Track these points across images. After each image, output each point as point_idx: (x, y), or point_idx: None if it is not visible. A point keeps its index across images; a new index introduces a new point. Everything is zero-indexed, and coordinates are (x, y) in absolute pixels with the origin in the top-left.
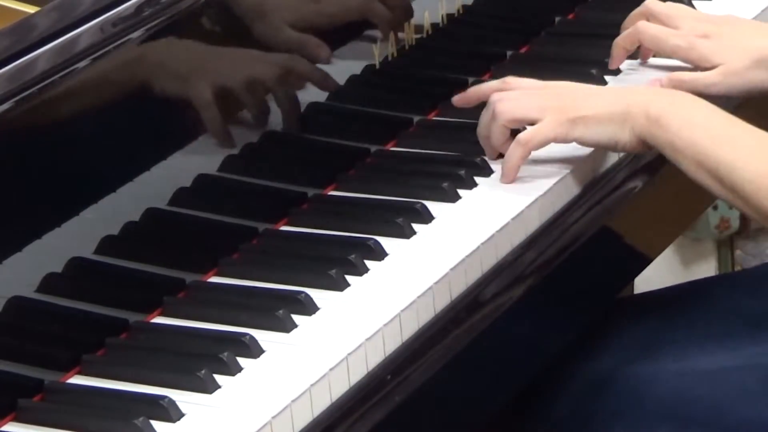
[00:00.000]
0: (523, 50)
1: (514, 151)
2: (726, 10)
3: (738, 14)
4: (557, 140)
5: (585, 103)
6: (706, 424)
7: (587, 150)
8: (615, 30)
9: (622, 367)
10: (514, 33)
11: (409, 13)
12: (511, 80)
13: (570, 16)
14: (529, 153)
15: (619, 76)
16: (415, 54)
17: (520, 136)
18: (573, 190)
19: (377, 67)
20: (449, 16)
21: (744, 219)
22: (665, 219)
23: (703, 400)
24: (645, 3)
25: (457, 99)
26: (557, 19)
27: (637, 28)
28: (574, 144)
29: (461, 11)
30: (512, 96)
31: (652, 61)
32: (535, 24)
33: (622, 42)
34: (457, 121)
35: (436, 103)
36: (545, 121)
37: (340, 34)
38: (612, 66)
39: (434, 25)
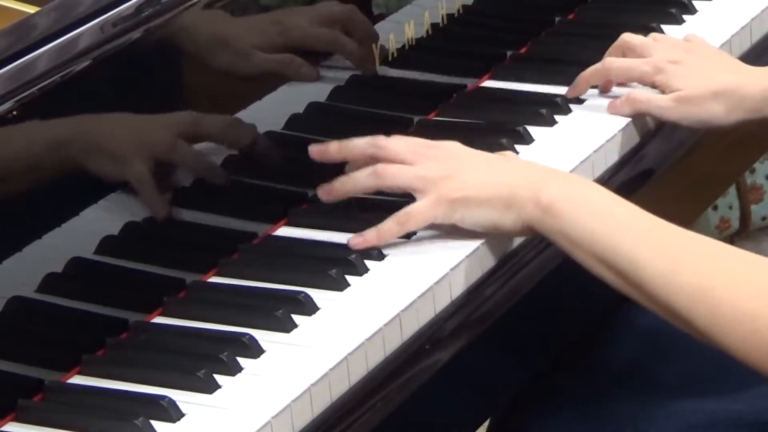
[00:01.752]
0: (523, 50)
1: (390, 228)
2: (726, 10)
3: (738, 14)
4: (437, 221)
5: (470, 180)
6: None
7: None
8: (615, 30)
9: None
10: (514, 33)
11: (374, 37)
12: (384, 143)
13: (570, 16)
14: (403, 233)
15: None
16: (415, 54)
17: (399, 214)
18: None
19: (377, 67)
20: (449, 16)
21: (744, 219)
22: (665, 219)
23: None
24: (621, 37)
25: (324, 192)
26: (557, 19)
27: (603, 64)
28: None
29: (461, 11)
30: (393, 156)
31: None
32: (535, 24)
33: (587, 76)
34: (457, 121)
35: (436, 103)
36: (425, 201)
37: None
38: (569, 95)
39: (434, 25)
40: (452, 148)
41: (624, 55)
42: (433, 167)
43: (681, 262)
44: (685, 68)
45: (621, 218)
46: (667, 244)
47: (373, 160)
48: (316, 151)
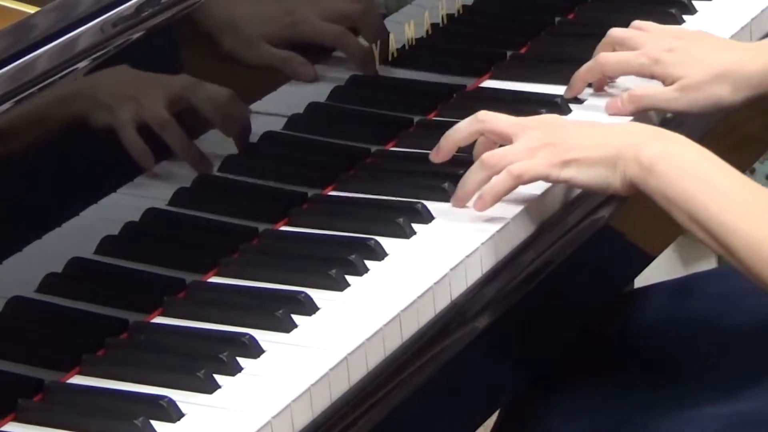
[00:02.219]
0: (523, 50)
1: (503, 180)
2: (726, 10)
3: (738, 14)
4: (549, 179)
5: (575, 143)
6: None
7: None
8: None
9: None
10: (514, 33)
11: (385, 35)
12: (486, 117)
13: (570, 16)
14: (516, 186)
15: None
16: (415, 54)
17: (513, 167)
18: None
19: (377, 67)
20: (449, 16)
21: None
22: (665, 219)
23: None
24: (609, 33)
25: (434, 155)
26: (557, 19)
27: (597, 60)
28: None
29: (461, 11)
30: (498, 129)
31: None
32: (535, 24)
33: (583, 74)
34: (457, 121)
35: (436, 103)
36: (538, 158)
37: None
38: (567, 95)
39: (434, 25)
40: (551, 118)
41: (615, 50)
42: (537, 136)
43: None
44: (681, 55)
45: (714, 180)
46: (756, 212)
47: (477, 133)
48: (433, 156)
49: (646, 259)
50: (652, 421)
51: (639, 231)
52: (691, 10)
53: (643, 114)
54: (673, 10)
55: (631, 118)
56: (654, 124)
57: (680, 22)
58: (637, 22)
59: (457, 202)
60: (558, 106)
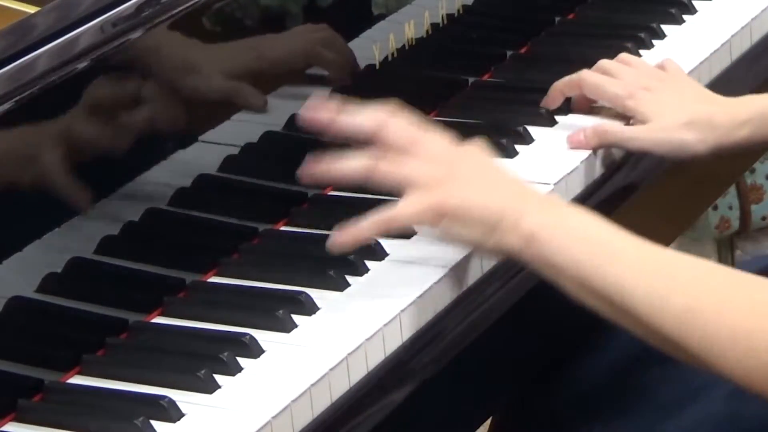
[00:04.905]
0: (523, 50)
1: (368, 226)
2: (726, 10)
3: (738, 14)
4: (423, 222)
5: (458, 191)
6: None
7: None
8: (615, 30)
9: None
10: (514, 33)
11: (350, 55)
12: (386, 123)
13: (570, 16)
14: (386, 231)
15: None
16: (415, 54)
17: (383, 215)
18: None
19: (377, 67)
20: (449, 16)
21: (744, 219)
22: (665, 219)
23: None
24: (598, 63)
25: (305, 171)
26: (557, 19)
27: (579, 75)
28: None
29: (461, 11)
30: (396, 145)
31: None
32: (535, 24)
33: (561, 86)
34: (457, 121)
35: (436, 103)
36: (411, 203)
37: (340, 33)
38: (543, 104)
39: (434, 25)
40: (446, 152)
41: (580, 91)
42: (426, 170)
43: (669, 284)
44: (656, 96)
45: (605, 243)
46: (653, 268)
47: (368, 135)
48: (305, 116)
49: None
50: None
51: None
52: (691, 10)
53: (606, 149)
54: (673, 10)
55: (589, 152)
56: (615, 160)
57: (680, 22)
58: (624, 55)
59: (307, 177)
60: (543, 117)
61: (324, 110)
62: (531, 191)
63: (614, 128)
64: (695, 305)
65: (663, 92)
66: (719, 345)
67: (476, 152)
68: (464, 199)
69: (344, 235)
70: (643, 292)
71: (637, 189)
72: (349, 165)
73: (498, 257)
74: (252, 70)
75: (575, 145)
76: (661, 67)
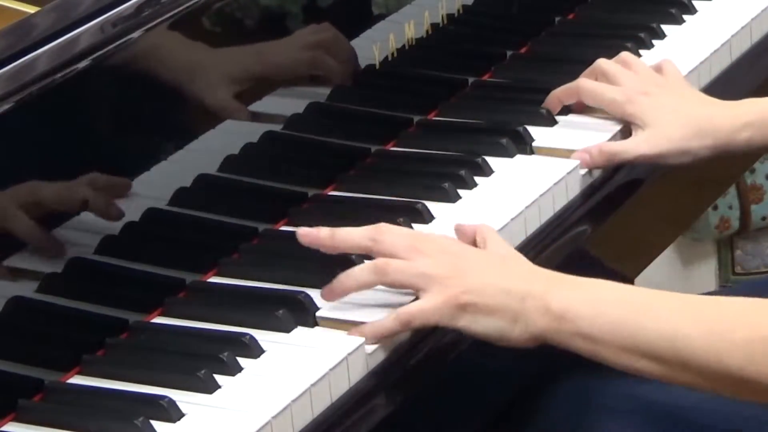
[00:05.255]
0: (523, 50)
1: (390, 325)
2: (726, 10)
3: (738, 14)
4: (439, 324)
5: (475, 283)
6: None
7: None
8: (615, 30)
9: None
10: (514, 33)
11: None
12: (383, 238)
13: (570, 16)
14: (404, 330)
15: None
16: (415, 54)
17: (401, 312)
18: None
19: (377, 67)
20: (449, 16)
21: (744, 219)
22: (665, 219)
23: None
24: (596, 62)
25: (326, 294)
26: (557, 19)
27: (577, 83)
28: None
29: (461, 11)
30: (391, 251)
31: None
32: (535, 24)
33: (559, 94)
34: (457, 121)
35: (436, 103)
36: (429, 300)
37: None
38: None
39: (434, 25)
40: (449, 245)
41: (597, 80)
42: (434, 264)
43: (725, 322)
44: (655, 101)
45: (642, 301)
46: (703, 310)
47: (367, 251)
48: (303, 234)
49: (646, 260)
50: None
51: (639, 232)
52: (691, 10)
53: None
54: (673, 10)
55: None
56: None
57: (680, 22)
58: (624, 55)
59: (329, 295)
60: (544, 117)
61: (319, 232)
62: (544, 271)
63: (619, 148)
64: (755, 335)
65: (661, 96)
66: None
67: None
68: (480, 290)
69: (366, 336)
70: (700, 336)
71: (637, 189)
72: (359, 273)
73: (524, 344)
74: (253, 72)
75: (585, 166)
76: (658, 68)
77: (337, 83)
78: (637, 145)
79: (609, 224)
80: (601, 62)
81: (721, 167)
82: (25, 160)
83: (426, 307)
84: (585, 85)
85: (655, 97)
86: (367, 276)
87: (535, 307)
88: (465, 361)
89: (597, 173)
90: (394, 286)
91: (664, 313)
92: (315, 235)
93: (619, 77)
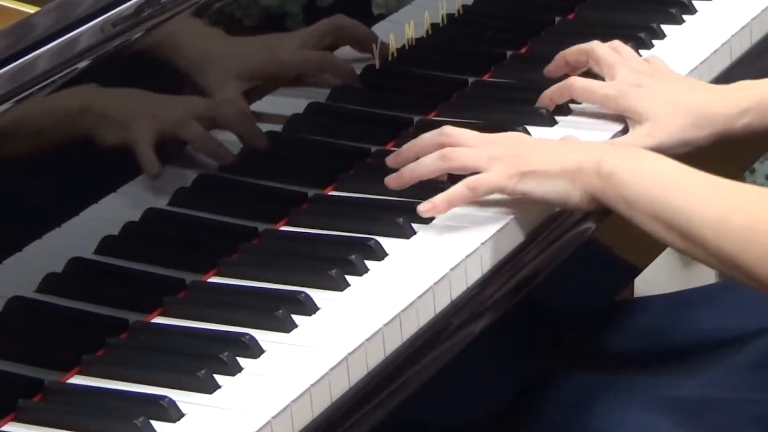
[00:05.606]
0: (523, 50)
1: (459, 192)
2: (726, 10)
3: (738, 14)
4: (506, 191)
5: (536, 157)
6: None
7: None
8: (615, 30)
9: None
10: (514, 33)
11: (372, 37)
12: (450, 131)
13: (570, 16)
14: (472, 199)
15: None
16: (415, 54)
17: (469, 180)
18: None
19: (377, 67)
20: (449, 16)
21: None
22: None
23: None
24: (590, 43)
25: (392, 159)
26: (557, 19)
27: (568, 82)
28: None
29: (461, 11)
30: (459, 141)
31: None
32: (535, 24)
33: (551, 94)
34: (457, 121)
35: (436, 103)
36: (495, 170)
37: None
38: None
39: (434, 25)
40: (514, 135)
41: (587, 63)
42: (498, 148)
43: (730, 208)
44: (648, 92)
45: (673, 176)
46: (716, 194)
47: (440, 147)
48: (391, 159)
49: (646, 260)
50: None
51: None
52: (691, 10)
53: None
54: (673, 10)
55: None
56: None
57: (680, 22)
58: (616, 43)
59: (396, 181)
60: (558, 105)
61: (400, 151)
62: (608, 142)
63: (623, 142)
64: (755, 225)
65: (654, 87)
66: None
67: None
68: (541, 160)
69: (435, 208)
70: (706, 216)
71: None
72: (428, 161)
73: (583, 206)
74: (253, 72)
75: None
76: (648, 62)
77: (339, 80)
78: (636, 141)
79: (609, 224)
80: (595, 46)
81: (721, 167)
82: (24, 159)
83: (492, 176)
84: (576, 83)
85: (648, 89)
86: (434, 163)
87: (590, 169)
88: (465, 361)
89: None
90: (459, 170)
91: (684, 192)
92: (398, 155)
93: (612, 66)
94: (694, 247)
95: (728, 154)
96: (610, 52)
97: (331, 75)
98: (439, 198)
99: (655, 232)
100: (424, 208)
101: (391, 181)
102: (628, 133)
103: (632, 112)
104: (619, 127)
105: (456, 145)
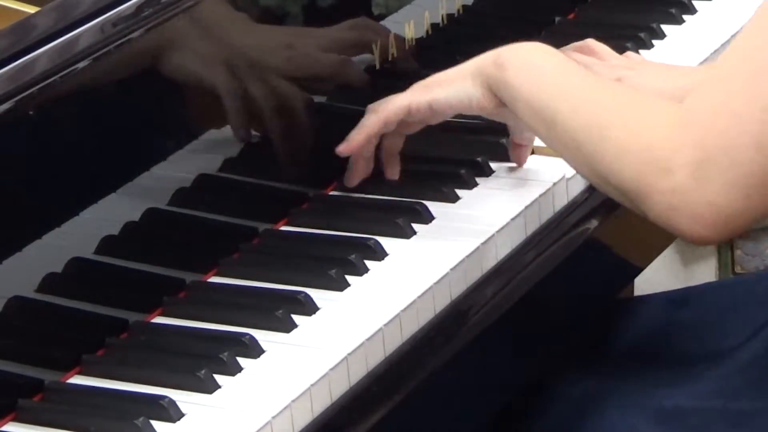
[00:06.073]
0: None
1: (367, 119)
2: (726, 10)
3: (738, 14)
4: (412, 106)
5: (442, 73)
6: None
7: None
8: (615, 30)
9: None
10: (514, 33)
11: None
12: (377, 106)
13: (570, 16)
14: (383, 122)
15: None
16: (415, 54)
17: (373, 104)
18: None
19: (377, 67)
20: (449, 16)
21: None
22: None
23: None
24: (586, 40)
25: (342, 148)
26: (557, 19)
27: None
28: None
29: (461, 11)
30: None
31: None
32: (535, 24)
33: None
34: (457, 121)
35: None
36: (401, 94)
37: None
38: None
39: (434, 25)
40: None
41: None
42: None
43: (583, 102)
44: (630, 83)
45: (550, 70)
46: (576, 90)
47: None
48: (342, 149)
49: (646, 260)
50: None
51: (639, 232)
52: (691, 10)
53: None
54: (673, 10)
55: None
56: None
57: (680, 22)
58: (590, 41)
59: (346, 149)
60: None
61: (348, 141)
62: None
63: None
64: (601, 121)
65: (635, 78)
66: (619, 156)
67: None
68: (448, 71)
69: (351, 141)
70: (564, 110)
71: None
72: (362, 124)
73: (485, 103)
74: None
75: None
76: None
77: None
78: None
79: (609, 224)
80: (591, 41)
81: None
82: (24, 159)
83: (396, 97)
84: (572, 57)
85: (629, 80)
86: (366, 121)
87: (488, 62)
88: (465, 362)
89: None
90: (388, 119)
91: (554, 87)
92: (346, 144)
93: (589, 69)
94: (557, 142)
95: None
96: (581, 55)
97: (346, 82)
98: (352, 133)
99: (533, 125)
100: (341, 147)
101: (342, 150)
102: None
103: None
104: None
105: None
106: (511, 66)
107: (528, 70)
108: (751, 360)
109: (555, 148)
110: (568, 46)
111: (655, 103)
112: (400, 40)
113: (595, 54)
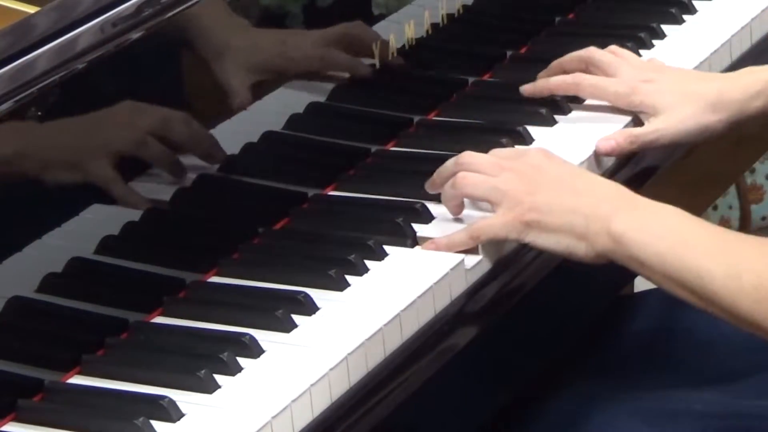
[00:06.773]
0: (523, 50)
1: (461, 239)
2: (726, 10)
3: (738, 14)
4: (508, 239)
5: (542, 202)
6: None
7: None
8: (615, 30)
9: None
10: (514, 33)
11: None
12: (464, 159)
13: (570, 16)
14: (473, 244)
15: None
16: (415, 54)
17: (472, 228)
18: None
19: (377, 67)
20: (449, 16)
21: (744, 219)
22: None
23: None
24: (587, 49)
25: (429, 186)
26: (557, 19)
27: (575, 79)
28: None
29: (461, 11)
30: (475, 168)
31: None
32: (535, 24)
33: (553, 86)
34: (457, 121)
35: (436, 103)
36: (499, 216)
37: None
38: (526, 92)
39: (434, 25)
40: (534, 159)
41: (586, 69)
42: (510, 179)
43: (740, 265)
44: (659, 86)
45: (685, 234)
46: (726, 251)
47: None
48: (429, 185)
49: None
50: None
51: None
52: (691, 10)
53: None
54: (673, 10)
55: (628, 119)
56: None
57: (680, 22)
58: (613, 47)
59: (430, 247)
60: (558, 105)
61: (432, 180)
62: (620, 193)
63: (641, 131)
64: (763, 283)
65: (664, 81)
66: None
67: (560, 159)
68: (548, 209)
69: (437, 248)
70: (717, 275)
71: (637, 190)
72: (443, 190)
73: (588, 260)
74: (253, 72)
75: (607, 152)
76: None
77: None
78: (655, 131)
79: None
80: (593, 51)
81: (721, 167)
82: (24, 159)
83: (494, 223)
84: (585, 80)
85: (658, 83)
86: (447, 191)
87: (598, 228)
88: (465, 362)
89: (604, 169)
90: (470, 198)
91: (696, 251)
92: (431, 182)
93: (615, 67)
94: (710, 306)
95: (729, 154)
96: (607, 54)
97: (339, 71)
98: (443, 241)
99: (673, 291)
100: (426, 246)
101: (429, 186)
102: (644, 126)
103: (646, 107)
104: (619, 126)
105: (471, 171)
106: (635, 240)
107: (657, 243)
108: (752, 359)
109: (704, 309)
110: (570, 55)
111: None
112: (384, 45)
113: (618, 56)
